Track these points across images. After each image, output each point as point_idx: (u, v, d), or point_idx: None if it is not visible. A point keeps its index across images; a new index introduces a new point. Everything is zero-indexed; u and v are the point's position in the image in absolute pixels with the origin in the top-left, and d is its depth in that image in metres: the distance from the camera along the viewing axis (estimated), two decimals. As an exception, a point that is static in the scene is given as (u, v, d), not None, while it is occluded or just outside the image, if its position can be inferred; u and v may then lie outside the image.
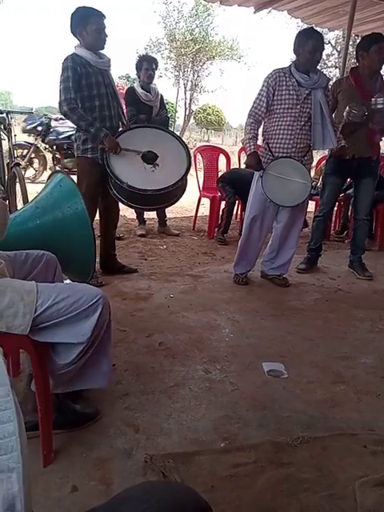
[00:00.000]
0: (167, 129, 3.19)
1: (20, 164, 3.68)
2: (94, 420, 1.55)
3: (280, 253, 3.23)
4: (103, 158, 2.76)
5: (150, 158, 2.80)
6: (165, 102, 4.42)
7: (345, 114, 3.15)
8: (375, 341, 2.43)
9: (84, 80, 2.72)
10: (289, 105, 2.86)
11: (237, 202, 4.59)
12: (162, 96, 4.27)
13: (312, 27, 3.03)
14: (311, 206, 5.21)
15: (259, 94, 2.90)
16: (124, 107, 3.08)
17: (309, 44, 2.78)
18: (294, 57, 2.94)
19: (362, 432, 1.61)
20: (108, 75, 2.89)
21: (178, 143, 2.94)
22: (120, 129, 2.98)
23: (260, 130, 3.02)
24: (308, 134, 2.92)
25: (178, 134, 3.66)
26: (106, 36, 2.80)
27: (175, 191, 2.82)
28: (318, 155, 7.09)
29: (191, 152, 3.11)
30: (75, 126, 2.86)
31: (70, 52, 2.78)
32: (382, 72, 3.33)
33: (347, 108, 3.13)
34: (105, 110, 2.81)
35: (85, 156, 2.84)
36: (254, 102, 2.91)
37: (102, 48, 2.82)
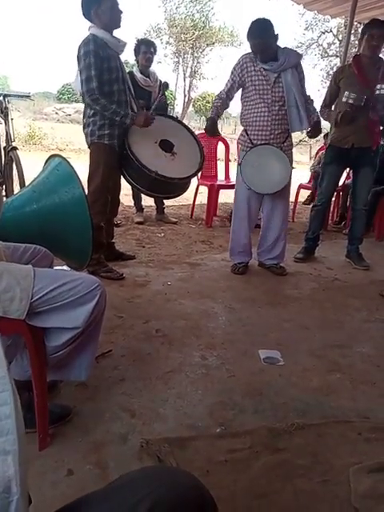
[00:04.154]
0: (175, 117, 3.16)
1: (17, 148, 3.64)
2: (65, 420, 1.48)
3: (271, 242, 3.22)
4: (124, 146, 2.70)
5: (167, 147, 2.79)
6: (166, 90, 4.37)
7: (344, 97, 3.12)
8: (371, 330, 2.44)
9: (105, 64, 2.61)
10: (260, 89, 2.87)
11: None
12: (161, 81, 4.22)
13: (260, 22, 2.83)
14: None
15: (228, 78, 2.99)
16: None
17: (251, 44, 2.84)
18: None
19: (357, 419, 1.62)
20: (120, 59, 2.80)
21: (187, 131, 2.96)
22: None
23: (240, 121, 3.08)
24: (284, 119, 2.92)
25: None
26: (121, 12, 2.66)
27: (192, 178, 2.87)
28: (316, 145, 7.06)
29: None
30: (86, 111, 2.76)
31: (73, 35, 2.69)
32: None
33: (346, 92, 3.10)
34: (122, 94, 2.74)
35: (102, 142, 2.72)
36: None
37: (119, 26, 2.70)
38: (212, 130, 2.97)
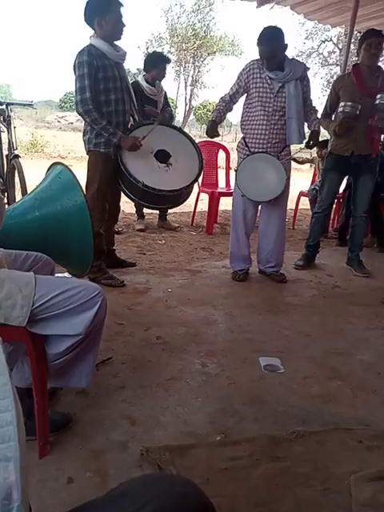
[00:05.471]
0: (177, 127, 3.17)
1: (19, 156, 3.66)
2: (65, 428, 1.49)
3: (269, 250, 3.22)
4: (116, 154, 2.73)
5: (163, 157, 2.79)
6: (168, 99, 4.42)
7: (340, 107, 3.15)
8: (371, 338, 2.43)
9: (101, 73, 2.63)
10: (263, 97, 2.89)
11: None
12: (165, 92, 4.27)
13: (272, 29, 2.86)
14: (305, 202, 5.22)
15: (234, 82, 3.01)
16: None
17: (259, 50, 2.85)
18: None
19: (358, 427, 1.61)
20: (122, 68, 2.82)
21: (189, 142, 2.95)
22: (130, 123, 2.93)
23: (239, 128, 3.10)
24: (283, 129, 2.94)
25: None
26: (124, 26, 2.69)
27: (187, 191, 2.86)
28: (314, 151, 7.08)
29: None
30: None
31: (75, 43, 2.72)
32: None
33: (341, 103, 3.13)
34: (119, 104, 2.75)
35: (97, 150, 2.75)
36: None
37: (120, 38, 2.72)
38: (212, 132, 3.01)
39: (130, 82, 4.19)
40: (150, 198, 2.75)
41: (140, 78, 4.11)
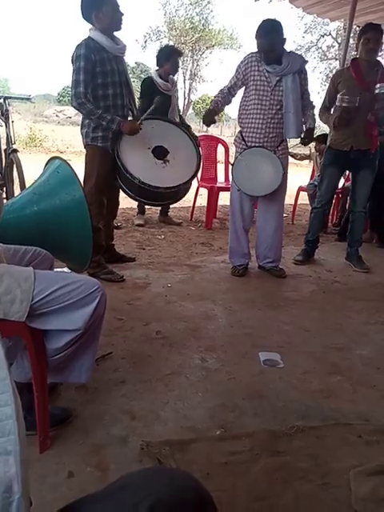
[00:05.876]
0: (176, 122, 3.15)
1: (17, 150, 3.65)
2: (65, 422, 1.49)
3: (266, 245, 3.21)
4: (114, 149, 2.71)
5: (160, 153, 2.78)
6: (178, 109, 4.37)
7: (338, 101, 3.13)
8: (371, 332, 2.44)
9: (98, 67, 2.60)
10: (260, 91, 2.87)
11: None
12: (177, 91, 4.27)
13: (271, 22, 2.84)
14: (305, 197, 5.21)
15: (233, 74, 2.99)
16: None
17: (257, 43, 2.82)
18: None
19: (357, 422, 1.62)
20: (122, 62, 2.79)
21: (187, 138, 2.93)
22: (129, 118, 2.90)
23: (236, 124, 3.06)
24: (280, 124, 2.92)
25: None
26: (122, 14, 2.65)
27: (185, 188, 2.84)
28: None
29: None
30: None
31: (73, 37, 2.71)
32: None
33: (339, 96, 3.11)
34: (118, 98, 2.72)
35: (95, 144, 2.72)
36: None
37: (120, 28, 2.69)
38: (208, 119, 2.95)
39: (144, 79, 4.18)
40: (147, 194, 2.74)
41: (153, 74, 4.07)
